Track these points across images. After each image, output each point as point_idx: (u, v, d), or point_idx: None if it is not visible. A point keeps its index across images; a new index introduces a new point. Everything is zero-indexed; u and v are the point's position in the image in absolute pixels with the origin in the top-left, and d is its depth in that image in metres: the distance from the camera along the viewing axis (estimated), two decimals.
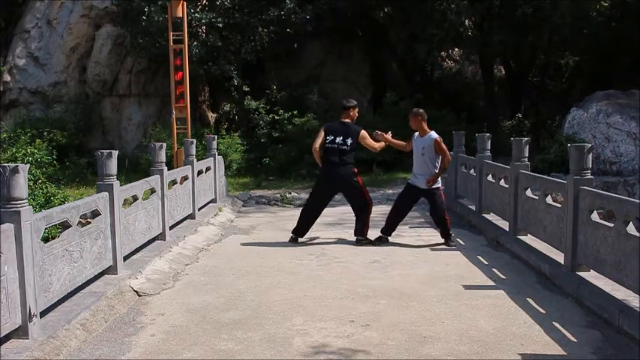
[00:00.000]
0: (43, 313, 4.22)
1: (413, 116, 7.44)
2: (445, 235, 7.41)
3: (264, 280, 5.90)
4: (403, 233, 8.04)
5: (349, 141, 7.39)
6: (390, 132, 7.81)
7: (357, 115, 7.73)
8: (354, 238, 7.56)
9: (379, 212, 8.69)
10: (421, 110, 7.52)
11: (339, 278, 5.92)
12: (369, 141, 7.57)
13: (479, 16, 15.46)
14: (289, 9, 15.41)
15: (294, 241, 7.61)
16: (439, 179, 7.39)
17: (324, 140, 7.50)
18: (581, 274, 5.33)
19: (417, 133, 7.48)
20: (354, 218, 7.62)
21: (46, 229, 4.39)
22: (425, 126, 7.40)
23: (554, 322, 4.57)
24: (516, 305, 4.99)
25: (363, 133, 7.51)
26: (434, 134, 7.38)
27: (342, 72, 18.04)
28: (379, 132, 7.66)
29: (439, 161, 7.32)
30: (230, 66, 16.04)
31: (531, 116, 18.91)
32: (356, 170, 7.56)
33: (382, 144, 7.70)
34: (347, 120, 7.56)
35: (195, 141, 9.33)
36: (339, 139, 7.40)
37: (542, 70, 20.84)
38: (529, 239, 6.75)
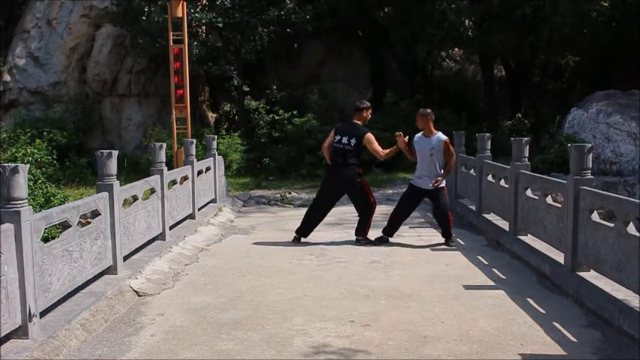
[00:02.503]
0: (43, 313, 4.22)
1: (422, 116, 7.35)
2: (446, 235, 7.40)
3: (264, 280, 5.90)
4: (403, 233, 8.03)
5: (353, 142, 7.35)
6: (407, 137, 7.47)
7: (369, 116, 7.68)
8: (354, 238, 7.56)
9: (379, 212, 8.65)
10: (429, 110, 7.46)
11: (339, 278, 5.92)
12: (375, 145, 7.48)
13: (479, 16, 15.44)
14: (289, 9, 15.41)
15: (297, 240, 7.60)
16: (444, 179, 7.34)
17: (333, 140, 7.51)
18: (582, 274, 5.33)
19: (419, 134, 7.42)
20: (356, 218, 7.63)
21: (46, 229, 4.39)
22: (432, 126, 7.33)
23: (554, 322, 4.57)
24: (516, 305, 4.99)
25: (369, 136, 7.43)
26: (442, 135, 7.33)
27: (342, 72, 18.03)
28: (399, 134, 7.41)
29: (444, 162, 7.27)
30: (230, 66, 16.03)
31: (531, 116, 18.89)
32: (360, 171, 7.52)
33: (388, 151, 7.52)
34: (358, 121, 7.54)
35: (195, 141, 9.33)
36: (344, 140, 7.39)
37: (542, 70, 20.83)
38: (529, 239, 6.75)
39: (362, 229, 7.51)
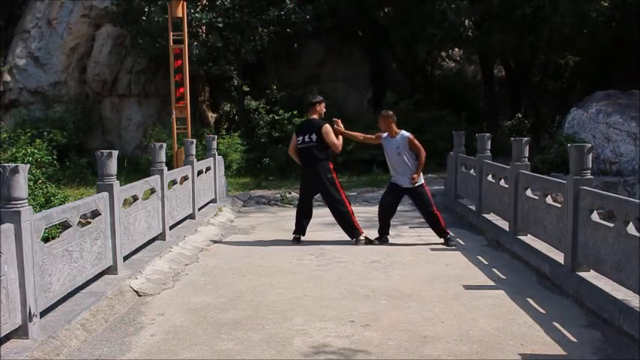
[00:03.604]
0: (43, 313, 4.22)
1: (383, 118, 7.48)
2: (441, 233, 7.40)
3: (264, 280, 5.90)
4: (403, 233, 8.04)
5: (314, 137, 7.33)
6: (340, 118, 7.65)
7: (324, 109, 7.64)
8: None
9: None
10: (390, 112, 7.59)
11: (339, 278, 5.92)
12: (331, 137, 7.36)
13: (479, 16, 15.45)
14: (289, 9, 15.41)
15: (297, 240, 7.62)
16: (421, 176, 7.43)
17: (296, 143, 7.50)
18: (581, 274, 5.33)
19: (386, 134, 7.49)
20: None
21: (46, 229, 4.39)
22: (395, 127, 7.44)
23: (554, 322, 4.57)
24: (516, 305, 4.99)
25: (325, 128, 7.34)
26: (406, 133, 7.45)
27: (342, 72, 18.03)
28: (336, 120, 7.50)
29: (415, 158, 7.37)
30: (230, 66, 16.03)
31: (531, 116, 18.90)
32: (331, 166, 7.48)
33: (339, 142, 7.46)
34: (314, 116, 7.52)
35: (195, 141, 9.34)
36: (306, 138, 7.38)
37: (542, 70, 20.83)
38: (529, 239, 6.75)
39: (352, 232, 7.46)
